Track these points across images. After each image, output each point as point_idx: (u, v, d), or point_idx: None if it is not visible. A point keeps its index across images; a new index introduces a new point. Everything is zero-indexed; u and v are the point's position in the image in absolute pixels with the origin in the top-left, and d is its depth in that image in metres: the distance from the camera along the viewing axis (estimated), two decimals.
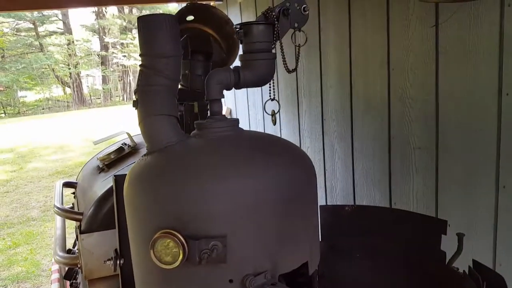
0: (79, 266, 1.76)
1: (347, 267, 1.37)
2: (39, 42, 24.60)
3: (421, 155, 2.13)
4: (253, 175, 0.98)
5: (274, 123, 1.28)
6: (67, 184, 2.37)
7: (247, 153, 1.04)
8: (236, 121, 1.16)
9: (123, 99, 27.73)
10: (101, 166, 2.08)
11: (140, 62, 1.16)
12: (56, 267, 2.16)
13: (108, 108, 23.97)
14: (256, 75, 1.17)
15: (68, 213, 1.83)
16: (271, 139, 1.14)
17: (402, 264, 1.29)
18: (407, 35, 2.06)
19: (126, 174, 1.41)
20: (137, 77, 1.18)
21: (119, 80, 27.78)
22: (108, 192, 1.75)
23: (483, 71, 1.73)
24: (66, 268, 2.27)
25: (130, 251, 1.39)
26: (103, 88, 27.09)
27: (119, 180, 1.33)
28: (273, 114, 1.28)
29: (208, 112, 1.17)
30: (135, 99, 1.16)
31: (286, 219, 1.01)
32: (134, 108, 1.16)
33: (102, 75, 26.86)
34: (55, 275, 2.07)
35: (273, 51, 1.18)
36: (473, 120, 1.84)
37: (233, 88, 1.19)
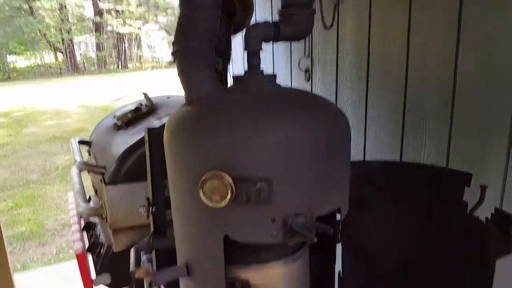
0: (103, 216, 1.82)
1: (371, 220, 1.45)
2: (29, 6, 23.78)
3: (434, 126, 2.18)
4: (296, 124, 1.03)
5: (308, 80, 1.32)
6: (82, 142, 2.40)
7: (289, 104, 1.08)
8: (274, 76, 1.20)
9: (118, 67, 27.31)
10: (119, 124, 2.11)
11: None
12: (75, 219, 2.22)
13: (102, 76, 23.63)
14: (295, 29, 1.20)
15: (91, 167, 1.87)
16: (309, 94, 1.18)
17: (424, 216, 1.37)
18: (430, 4, 2.07)
19: (158, 127, 1.47)
20: (175, 28, 1.20)
21: (113, 48, 27.22)
22: (132, 147, 1.80)
23: (506, 49, 1.75)
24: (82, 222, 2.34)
25: (167, 198, 1.46)
26: (97, 55, 26.56)
27: (152, 132, 1.37)
28: (307, 71, 1.31)
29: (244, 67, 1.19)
30: (174, 50, 1.18)
31: (325, 167, 1.07)
32: (173, 59, 1.18)
33: (96, 42, 26.26)
34: (75, 227, 2.13)
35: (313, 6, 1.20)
36: (490, 96, 1.88)
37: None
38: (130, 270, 1.17)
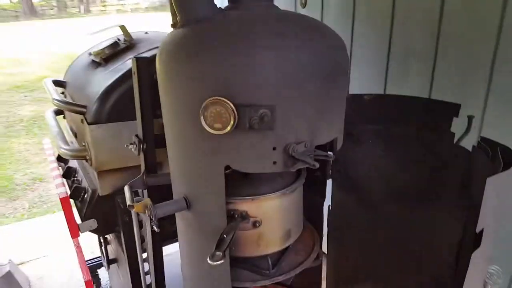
0: (87, 158, 1.76)
1: (360, 152, 1.47)
2: None
3: (419, 61, 2.20)
4: (298, 46, 0.99)
5: (304, 6, 1.26)
6: (56, 82, 2.26)
7: (290, 26, 1.03)
8: None
9: (80, 11, 25.57)
10: (97, 60, 1.98)
11: None
12: (54, 165, 2.14)
13: (63, 20, 22.07)
14: None
15: (71, 105, 1.77)
16: (308, 17, 1.12)
17: (413, 147, 1.40)
18: None
19: (147, 57, 1.38)
20: None
21: None
22: (114, 84, 1.70)
23: None
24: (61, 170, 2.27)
25: (156, 136, 1.41)
26: None
27: (141, 62, 1.29)
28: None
29: None
30: None
31: (325, 94, 1.05)
32: None
33: None
34: (56, 172, 2.06)
35: None
36: (474, 30, 1.89)
37: None
38: (127, 204, 1.15)
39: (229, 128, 0.95)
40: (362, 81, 2.52)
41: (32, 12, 23.05)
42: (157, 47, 1.88)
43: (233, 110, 0.94)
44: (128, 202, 1.16)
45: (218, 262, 0.98)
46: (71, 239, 2.14)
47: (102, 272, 3.24)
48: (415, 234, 1.45)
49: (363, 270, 1.61)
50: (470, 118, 1.26)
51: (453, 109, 1.30)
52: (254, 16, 1.05)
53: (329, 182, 1.57)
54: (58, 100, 1.80)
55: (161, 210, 1.11)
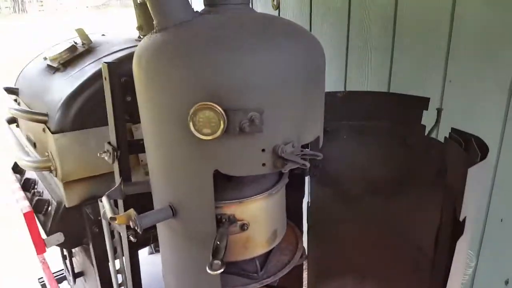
0: (52, 168, 1.65)
1: (335, 147, 1.50)
2: None
3: (376, 56, 2.29)
4: (282, 49, 0.99)
5: (277, 8, 1.26)
6: (7, 89, 2.09)
7: (272, 29, 1.03)
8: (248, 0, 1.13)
9: (15, 11, 23.95)
10: (56, 65, 1.86)
11: None
12: (13, 178, 1.99)
13: None
14: None
15: (30, 114, 1.65)
16: (285, 19, 1.13)
17: (386, 141, 1.46)
18: None
19: (117, 61, 1.32)
20: None
21: None
22: (78, 90, 1.62)
23: None
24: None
25: (129, 142, 1.36)
26: None
27: (112, 67, 1.23)
28: None
29: None
30: None
31: (309, 94, 1.06)
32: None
33: None
34: (15, 185, 1.92)
35: None
36: (428, 18, 2.00)
37: None
38: (109, 217, 1.09)
39: (219, 132, 0.93)
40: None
41: None
42: (118, 50, 1.82)
43: (222, 115, 0.92)
44: (109, 215, 1.10)
45: (218, 271, 0.96)
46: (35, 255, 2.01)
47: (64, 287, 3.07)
48: (393, 225, 1.52)
49: (344, 263, 1.66)
50: (439, 111, 1.33)
51: (423, 102, 1.37)
52: (235, 19, 1.04)
53: (307, 179, 1.60)
54: (16, 109, 1.67)
55: (147, 220, 1.07)
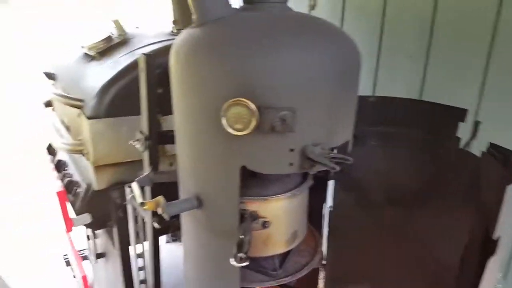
0: (84, 152, 1.72)
1: (361, 152, 1.49)
2: None
3: (409, 62, 2.24)
4: (318, 49, 1.00)
5: (313, 8, 1.26)
6: (47, 74, 2.18)
7: (309, 28, 1.04)
8: None
9: None
10: (92, 54, 1.92)
11: None
12: (48, 157, 2.08)
13: None
14: None
15: (68, 99, 1.72)
16: (322, 20, 1.13)
17: (416, 151, 1.43)
18: None
19: (153, 53, 1.36)
20: None
21: None
22: (114, 79, 1.67)
23: None
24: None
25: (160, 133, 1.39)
26: None
27: (150, 59, 1.27)
28: None
29: None
30: None
31: (341, 96, 1.06)
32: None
33: None
34: (51, 165, 2.00)
35: None
36: (468, 27, 1.94)
37: None
38: (139, 202, 1.13)
39: (250, 129, 0.95)
40: None
41: None
42: (151, 43, 1.86)
43: (255, 112, 0.93)
44: (139, 200, 1.13)
45: (243, 264, 0.97)
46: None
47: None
48: (416, 237, 1.49)
49: (361, 271, 1.64)
50: (476, 124, 1.30)
51: (460, 113, 1.34)
52: (272, 17, 1.04)
53: (330, 183, 1.59)
54: (56, 94, 1.74)
55: (174, 208, 1.10)
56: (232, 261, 0.98)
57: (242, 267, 1.26)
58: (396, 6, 2.21)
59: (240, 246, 1.01)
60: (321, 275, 1.74)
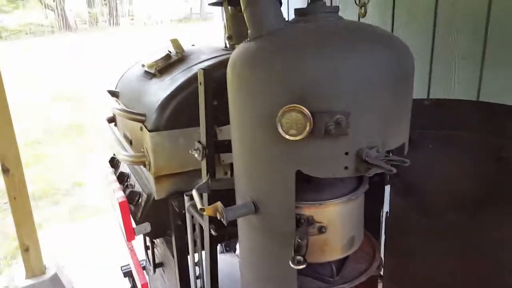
0: (146, 163, 1.83)
1: (419, 156, 1.46)
2: None
3: (465, 66, 2.17)
4: (368, 53, 1.01)
5: (364, 15, 1.28)
6: (111, 92, 2.36)
7: (359, 34, 1.06)
8: (337, 7, 1.17)
9: (110, 24, 26.55)
10: (152, 72, 2.07)
11: None
12: (110, 169, 2.24)
13: (94, 33, 22.97)
14: None
15: (131, 114, 1.85)
16: (374, 26, 1.15)
17: (474, 153, 1.38)
18: None
19: (210, 68, 1.44)
20: None
21: (104, 4, 26.32)
22: (173, 94, 1.78)
23: None
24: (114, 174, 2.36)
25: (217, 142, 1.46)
26: (89, 13, 25.68)
27: (207, 73, 1.35)
28: (363, 5, 1.27)
29: None
30: None
31: (395, 99, 1.06)
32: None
33: None
34: (112, 177, 2.15)
35: None
36: None
37: None
38: (199, 207, 1.19)
39: (304, 134, 0.98)
40: None
41: (66, 26, 24.08)
42: (207, 59, 1.97)
43: (309, 117, 0.96)
44: (199, 206, 1.20)
45: (301, 266, 1.00)
46: (123, 242, 2.22)
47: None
48: (479, 244, 1.43)
49: (422, 279, 1.59)
50: None
51: None
52: (325, 26, 1.08)
53: (386, 188, 1.57)
54: (119, 109, 1.88)
55: (232, 213, 1.14)
56: (290, 264, 1.00)
57: (299, 273, 1.29)
58: (448, 6, 2.16)
59: (297, 249, 1.03)
60: (380, 286, 1.70)
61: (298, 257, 1.00)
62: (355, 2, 1.28)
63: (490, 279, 1.43)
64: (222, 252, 3.41)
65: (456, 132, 1.41)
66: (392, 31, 2.54)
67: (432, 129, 1.43)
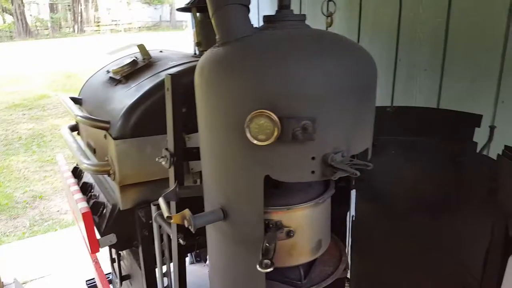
0: (110, 172, 1.78)
1: (382, 162, 1.51)
2: None
3: (426, 76, 2.27)
4: (335, 61, 1.04)
5: (330, 25, 1.32)
6: (73, 99, 2.29)
7: (326, 42, 1.09)
8: (304, 16, 1.20)
9: (74, 31, 25.80)
10: (118, 78, 2.02)
11: None
12: (71, 181, 2.16)
13: (57, 39, 22.25)
14: None
15: (94, 122, 1.80)
16: (340, 35, 1.18)
17: (435, 158, 1.45)
18: None
19: (178, 73, 1.43)
20: None
21: (68, 10, 25.58)
22: (139, 100, 1.75)
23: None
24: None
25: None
26: (51, 18, 24.83)
27: (175, 79, 1.34)
28: (330, 15, 1.31)
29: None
30: None
31: (360, 106, 1.10)
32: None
33: (49, 3, 24.44)
34: (74, 187, 2.07)
35: None
36: (481, 40, 1.98)
37: None
38: (166, 216, 1.17)
39: (273, 139, 0.99)
40: None
41: (26, 32, 23.18)
42: (175, 66, 1.95)
43: (277, 122, 0.98)
44: (166, 214, 1.18)
45: (268, 270, 1.00)
46: (87, 255, 2.14)
47: None
48: (439, 244, 1.49)
49: (387, 280, 1.64)
50: (492, 128, 1.32)
51: (475, 119, 1.36)
52: (292, 33, 1.10)
53: (353, 193, 1.61)
54: (81, 116, 1.83)
55: (200, 220, 1.13)
56: (258, 268, 1.00)
57: (268, 278, 1.29)
58: (410, 22, 2.26)
59: (265, 253, 1.04)
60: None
61: (266, 261, 1.00)
62: (322, 12, 1.32)
63: (452, 278, 1.49)
64: (192, 262, 3.36)
65: (417, 137, 1.47)
66: (358, 42, 2.63)
67: (394, 135, 1.49)
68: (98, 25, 27.82)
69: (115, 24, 28.42)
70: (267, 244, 1.06)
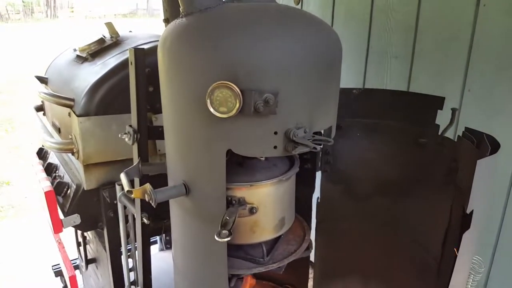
0: (74, 151, 1.73)
1: (347, 144, 1.53)
2: None
3: (397, 64, 2.32)
4: (299, 36, 1.04)
5: (297, 3, 1.31)
6: (39, 78, 2.21)
7: (291, 17, 1.09)
8: None
9: (47, 16, 24.92)
10: (84, 55, 1.96)
11: None
12: (36, 160, 2.09)
13: (29, 24, 21.44)
14: None
15: (58, 98, 1.74)
16: (306, 12, 1.18)
17: (398, 140, 1.48)
18: None
19: (144, 48, 1.40)
20: None
21: None
22: (103, 78, 1.70)
23: None
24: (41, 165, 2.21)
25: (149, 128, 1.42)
26: (23, 2, 23.89)
27: (138, 53, 1.30)
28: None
29: None
30: None
31: (324, 83, 1.10)
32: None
33: None
34: (38, 167, 2.01)
35: None
36: (449, 29, 2.03)
37: None
38: (126, 190, 1.14)
39: (234, 111, 0.98)
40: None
41: None
42: (143, 44, 1.91)
43: (239, 94, 0.97)
44: (126, 188, 1.15)
45: (226, 239, 1.00)
46: (52, 238, 2.08)
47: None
48: (401, 225, 1.52)
49: (351, 261, 1.67)
50: (453, 111, 1.35)
51: (438, 102, 1.39)
52: (258, 7, 1.09)
53: (318, 174, 1.63)
54: (45, 93, 1.77)
55: (162, 195, 1.11)
56: (215, 237, 1.00)
57: (230, 255, 1.29)
58: (383, 8, 2.29)
59: (224, 224, 1.03)
60: (312, 271, 1.75)
61: (224, 231, 1.00)
62: None
63: (414, 260, 1.53)
64: (162, 249, 3.32)
65: (381, 120, 1.49)
66: (332, 25, 2.65)
67: (359, 117, 1.51)
68: (72, 11, 26.96)
69: (90, 11, 27.61)
70: (227, 218, 1.06)
